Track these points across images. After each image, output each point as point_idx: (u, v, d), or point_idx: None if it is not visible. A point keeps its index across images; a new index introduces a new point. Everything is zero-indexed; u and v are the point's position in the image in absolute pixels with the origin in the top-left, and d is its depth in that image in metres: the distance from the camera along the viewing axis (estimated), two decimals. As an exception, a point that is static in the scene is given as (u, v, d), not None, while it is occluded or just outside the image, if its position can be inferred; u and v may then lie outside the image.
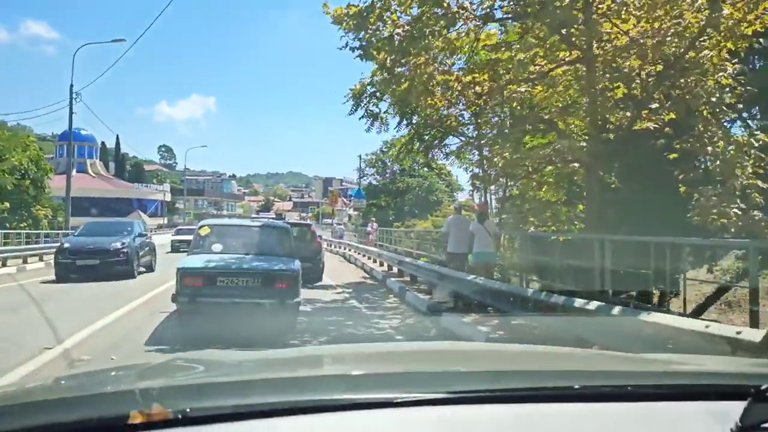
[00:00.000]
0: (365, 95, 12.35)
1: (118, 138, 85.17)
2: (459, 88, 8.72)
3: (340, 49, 8.56)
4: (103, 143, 79.18)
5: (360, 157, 53.06)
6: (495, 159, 9.73)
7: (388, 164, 56.13)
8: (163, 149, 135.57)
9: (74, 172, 64.20)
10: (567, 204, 11.74)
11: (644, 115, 8.13)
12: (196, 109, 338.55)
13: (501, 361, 1.73)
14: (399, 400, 1.04)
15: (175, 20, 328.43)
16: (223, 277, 7.44)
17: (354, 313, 9.97)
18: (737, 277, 13.07)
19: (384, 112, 12.51)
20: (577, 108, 9.08)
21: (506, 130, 10.12)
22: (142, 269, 14.91)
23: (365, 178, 54.45)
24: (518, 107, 9.30)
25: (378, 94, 12.19)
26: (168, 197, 71.13)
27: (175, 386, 1.21)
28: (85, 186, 59.20)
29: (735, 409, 0.99)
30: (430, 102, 9.40)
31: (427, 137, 12.36)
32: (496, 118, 10.97)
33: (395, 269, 17.27)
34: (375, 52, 8.41)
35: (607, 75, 8.06)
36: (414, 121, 12.26)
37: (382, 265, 19.77)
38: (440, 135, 12.75)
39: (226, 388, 1.14)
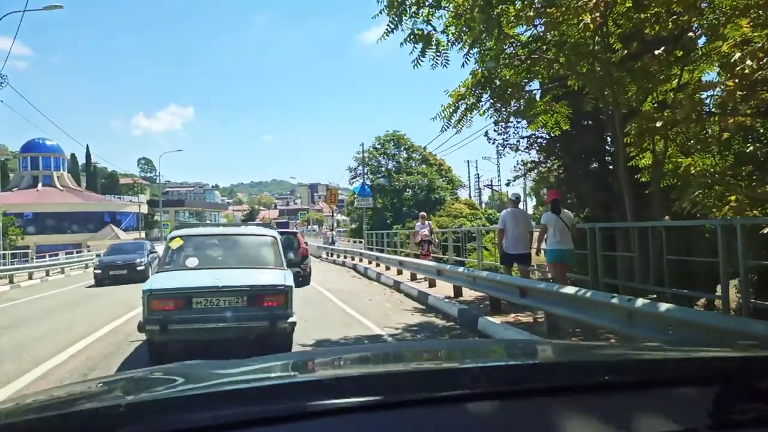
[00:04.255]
0: (409, 2, 7.45)
1: (88, 148, 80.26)
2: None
3: None
4: (73, 155, 74.23)
5: (362, 145, 48.66)
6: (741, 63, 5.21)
7: (382, 162, 51.85)
8: (143, 162, 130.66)
9: (40, 185, 59.44)
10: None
11: None
12: (175, 119, 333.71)
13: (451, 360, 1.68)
14: (379, 402, 1.03)
15: (148, 28, 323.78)
16: (199, 298, 6.42)
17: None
18: None
19: (442, 31, 7.67)
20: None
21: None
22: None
23: (356, 179, 50.04)
24: None
25: (431, -1, 7.37)
26: (145, 209, 66.02)
27: (151, 400, 1.19)
28: (52, 200, 54.42)
29: (703, 395, 1.01)
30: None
31: (499, 81, 7.77)
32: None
33: (469, 292, 11.37)
34: None
35: None
36: (487, 51, 7.58)
37: (433, 285, 13.74)
38: (521, 75, 8.05)
39: (201, 400, 1.11)
